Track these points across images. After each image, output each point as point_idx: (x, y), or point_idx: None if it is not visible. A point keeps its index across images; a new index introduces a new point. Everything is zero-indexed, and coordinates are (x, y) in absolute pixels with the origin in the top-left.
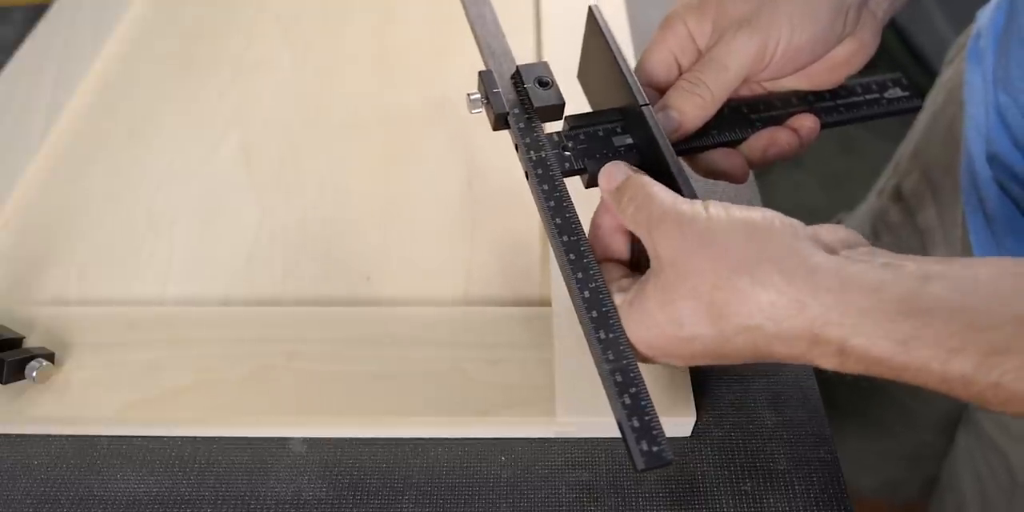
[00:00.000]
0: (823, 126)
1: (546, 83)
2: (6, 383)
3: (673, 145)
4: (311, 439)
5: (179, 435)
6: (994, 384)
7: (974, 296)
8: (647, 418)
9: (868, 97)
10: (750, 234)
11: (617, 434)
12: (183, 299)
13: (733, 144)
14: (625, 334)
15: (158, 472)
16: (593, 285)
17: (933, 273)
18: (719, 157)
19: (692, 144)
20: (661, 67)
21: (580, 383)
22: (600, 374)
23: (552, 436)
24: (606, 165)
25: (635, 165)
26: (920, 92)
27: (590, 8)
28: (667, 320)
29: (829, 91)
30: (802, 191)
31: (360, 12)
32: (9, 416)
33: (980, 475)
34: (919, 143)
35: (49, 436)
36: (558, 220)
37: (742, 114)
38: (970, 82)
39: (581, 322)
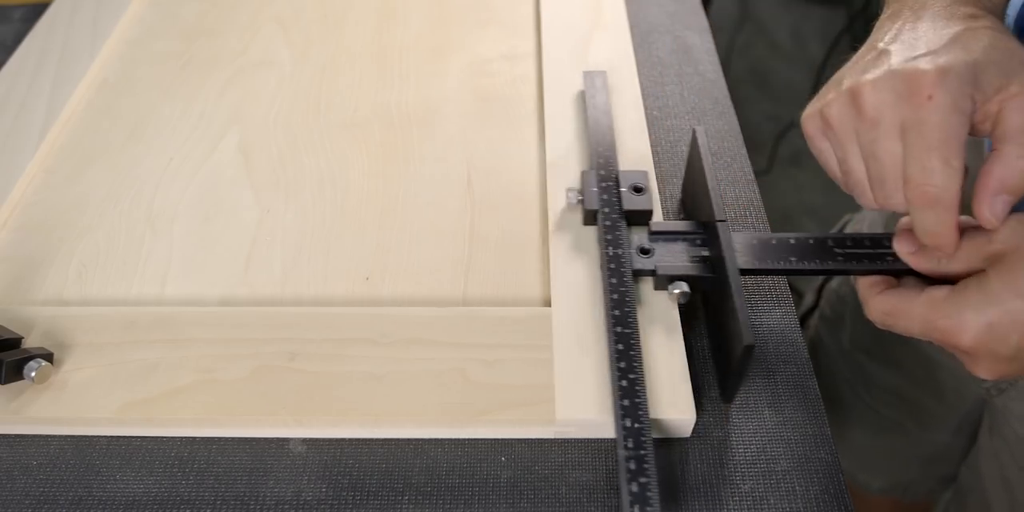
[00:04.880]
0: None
1: (640, 189)
2: (5, 383)
3: (744, 268)
4: (311, 439)
5: (178, 435)
6: None
7: None
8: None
9: None
10: None
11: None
12: (182, 299)
13: (805, 273)
14: (648, 426)
15: (157, 472)
16: (633, 377)
17: None
18: None
19: (768, 266)
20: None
21: (580, 384)
22: (617, 457)
23: (552, 437)
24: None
25: (704, 279)
26: None
27: (694, 130)
28: (1014, 294)
29: None
30: (803, 191)
31: (360, 12)
32: (7, 416)
33: (1008, 480)
34: None
35: (48, 436)
36: (616, 312)
37: (826, 246)
38: None
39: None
